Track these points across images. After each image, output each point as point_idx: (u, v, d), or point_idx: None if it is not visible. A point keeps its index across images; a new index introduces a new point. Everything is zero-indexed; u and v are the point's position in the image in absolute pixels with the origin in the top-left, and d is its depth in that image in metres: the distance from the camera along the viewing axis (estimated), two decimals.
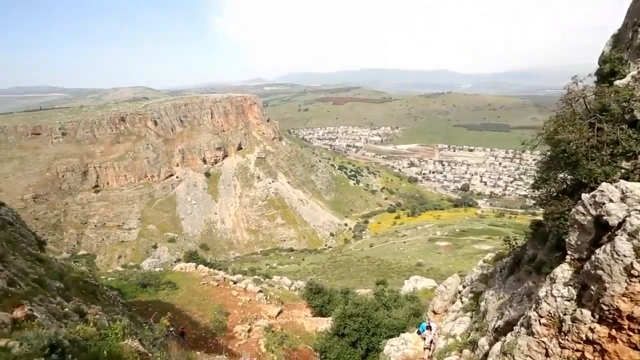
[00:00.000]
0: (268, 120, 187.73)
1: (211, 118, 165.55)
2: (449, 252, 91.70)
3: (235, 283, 25.89)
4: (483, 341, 8.87)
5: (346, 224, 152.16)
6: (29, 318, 4.71)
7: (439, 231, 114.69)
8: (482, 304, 10.50)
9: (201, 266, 29.60)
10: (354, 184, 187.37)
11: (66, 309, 6.09)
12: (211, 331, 18.64)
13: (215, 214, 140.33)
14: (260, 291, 24.58)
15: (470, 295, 12.59)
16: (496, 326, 8.59)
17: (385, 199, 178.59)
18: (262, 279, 31.69)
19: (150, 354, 5.85)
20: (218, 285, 24.91)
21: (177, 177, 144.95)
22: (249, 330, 19.08)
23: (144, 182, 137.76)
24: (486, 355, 7.99)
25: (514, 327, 6.78)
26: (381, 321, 17.68)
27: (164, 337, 8.66)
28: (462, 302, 12.98)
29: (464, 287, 14.20)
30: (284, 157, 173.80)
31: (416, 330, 15.11)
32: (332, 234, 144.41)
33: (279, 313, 22.32)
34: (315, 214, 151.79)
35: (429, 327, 13.54)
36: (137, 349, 5.33)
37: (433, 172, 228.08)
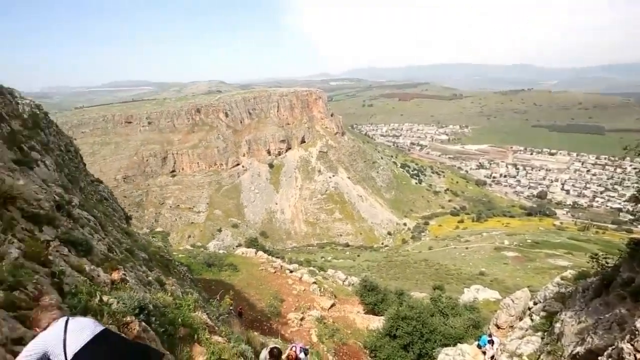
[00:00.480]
0: (332, 115, 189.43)
1: (277, 111, 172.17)
2: (517, 263, 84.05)
3: (291, 272, 26.84)
4: None
5: (405, 224, 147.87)
6: (123, 281, 5.46)
7: (507, 240, 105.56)
8: (557, 325, 9.46)
9: (260, 252, 31.21)
10: (416, 183, 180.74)
11: (149, 278, 6.96)
12: (266, 315, 19.58)
13: (276, 204, 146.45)
14: (315, 282, 25.13)
15: (543, 313, 11.42)
16: (574, 352, 7.70)
17: (449, 201, 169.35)
18: (317, 271, 32.37)
19: (216, 328, 6.37)
20: (275, 272, 26.05)
21: (242, 167, 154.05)
22: (302, 319, 19.66)
23: (213, 169, 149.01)
24: None
25: (599, 358, 6.03)
26: (436, 327, 16.94)
27: (227, 314, 9.39)
28: (531, 319, 11.84)
29: (535, 303, 12.93)
30: (346, 152, 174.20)
31: (476, 342, 14.24)
32: (389, 233, 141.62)
33: (332, 306, 22.62)
34: (374, 211, 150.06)
35: (490, 342, 12.68)
36: (205, 321, 5.86)
37: (505, 176, 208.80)
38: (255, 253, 30.72)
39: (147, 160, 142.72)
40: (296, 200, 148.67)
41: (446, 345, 15.33)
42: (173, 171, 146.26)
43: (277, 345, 5.95)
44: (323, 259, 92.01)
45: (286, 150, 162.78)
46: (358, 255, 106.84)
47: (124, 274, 5.63)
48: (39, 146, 9.81)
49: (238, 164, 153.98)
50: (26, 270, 4.02)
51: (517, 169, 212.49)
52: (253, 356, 6.18)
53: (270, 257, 30.53)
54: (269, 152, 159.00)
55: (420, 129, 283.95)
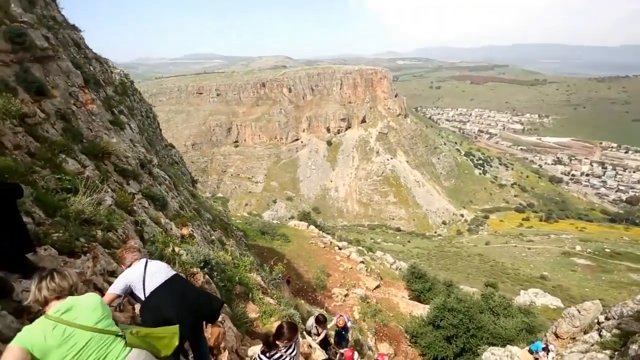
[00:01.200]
0: (396, 96, 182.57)
1: (340, 89, 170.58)
2: (588, 273, 75.66)
3: (340, 249, 27.33)
4: None
5: (462, 215, 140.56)
6: (191, 236, 6.11)
7: (580, 246, 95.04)
8: (634, 347, 8.48)
9: (312, 227, 32.10)
10: (480, 173, 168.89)
11: (213, 237, 7.68)
12: (312, 286, 20.36)
13: (331, 181, 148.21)
14: (362, 262, 25.35)
15: (616, 331, 10.27)
16: None
17: (515, 196, 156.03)
18: (366, 251, 32.55)
19: (268, 290, 6.86)
20: (324, 247, 26.75)
21: (301, 142, 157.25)
22: (346, 295, 20.13)
23: (273, 142, 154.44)
24: None
25: None
26: (485, 325, 16.21)
27: (278, 280, 10.03)
28: (600, 335, 10.73)
29: (607, 319, 11.65)
30: (407, 135, 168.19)
31: (527, 347, 13.41)
32: (444, 222, 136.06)
33: (377, 287, 22.74)
34: (430, 199, 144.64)
35: (545, 349, 11.83)
36: (259, 283, 6.34)
37: (587, 175, 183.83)
38: (307, 227, 31.69)
39: (213, 129, 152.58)
40: (351, 180, 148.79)
41: (493, 345, 14.67)
42: (236, 142, 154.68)
43: (323, 313, 6.23)
44: (372, 240, 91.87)
45: (346, 129, 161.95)
46: (408, 241, 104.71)
47: (192, 231, 6.28)
48: (126, 110, 11.05)
49: (297, 139, 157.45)
50: (117, 216, 4.70)
51: (605, 168, 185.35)
52: (300, 321, 6.58)
53: (321, 232, 31.30)
54: (328, 130, 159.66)
55: (492, 116, 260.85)
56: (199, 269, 4.72)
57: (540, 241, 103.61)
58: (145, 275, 2.98)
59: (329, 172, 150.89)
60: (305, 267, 22.75)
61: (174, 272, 3.22)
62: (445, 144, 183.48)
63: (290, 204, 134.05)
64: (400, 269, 30.21)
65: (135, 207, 5.46)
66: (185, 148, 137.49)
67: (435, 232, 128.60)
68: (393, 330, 18.54)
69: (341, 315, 8.63)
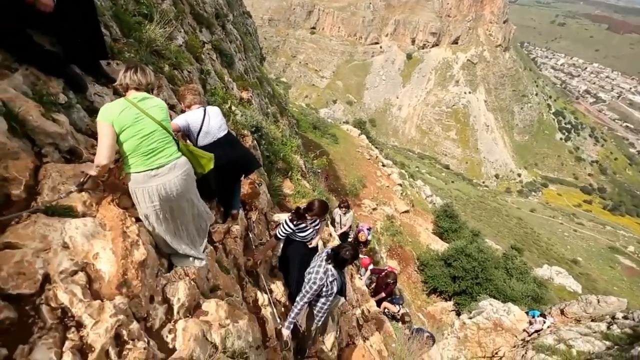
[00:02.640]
0: (505, 22, 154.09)
1: None
2: (627, 274, 71.46)
3: (383, 165, 27.32)
4: None
5: (519, 175, 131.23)
6: (249, 101, 6.20)
7: (634, 247, 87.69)
8: (639, 349, 8.29)
9: (363, 136, 31.75)
10: (561, 139, 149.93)
11: (269, 110, 7.79)
12: (345, 191, 21.15)
13: (397, 97, 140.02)
14: (400, 185, 25.43)
15: (628, 330, 9.99)
16: None
17: (589, 175, 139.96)
18: (407, 176, 32.39)
19: (307, 175, 7.14)
20: (369, 159, 26.80)
21: (380, 47, 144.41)
22: (374, 209, 20.86)
23: (350, 40, 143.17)
24: None
25: None
26: (494, 279, 16.53)
27: (318, 172, 10.43)
28: (608, 328, 10.55)
29: (625, 318, 11.27)
30: (497, 72, 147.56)
31: (527, 310, 13.72)
32: (496, 176, 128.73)
33: (405, 212, 23.19)
34: (493, 148, 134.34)
35: (543, 315, 12.09)
36: (300, 166, 6.58)
37: None
38: (358, 135, 31.39)
39: (294, 8, 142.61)
40: (418, 103, 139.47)
41: (494, 298, 15.12)
42: (313, 28, 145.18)
43: (346, 201, 6.49)
44: (417, 169, 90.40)
45: (432, 46, 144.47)
46: (452, 182, 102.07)
47: (251, 97, 6.34)
48: None
49: (377, 43, 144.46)
50: (185, 57, 4.75)
51: None
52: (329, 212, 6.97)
53: (370, 144, 31.03)
54: (412, 41, 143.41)
55: (611, 78, 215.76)
56: (250, 133, 4.90)
57: (592, 228, 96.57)
58: (203, 122, 3.26)
59: (398, 88, 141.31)
60: (344, 172, 23.33)
61: (227, 128, 3.53)
62: (537, 94, 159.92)
63: (349, 109, 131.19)
64: (434, 203, 30.18)
65: (203, 56, 5.48)
66: (261, 22, 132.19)
67: (483, 182, 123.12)
68: (406, 253, 19.52)
69: (362, 228, 9.01)
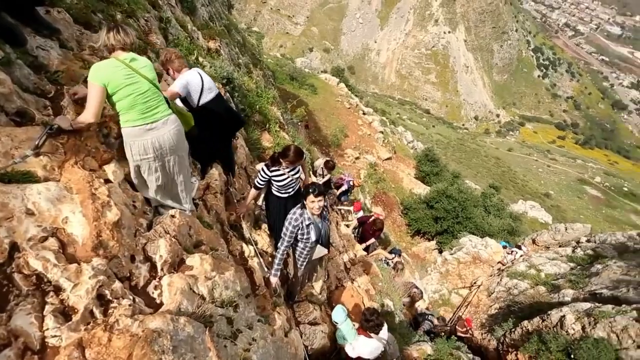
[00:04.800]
0: None
1: None
2: (593, 203, 76.77)
3: (364, 114, 27.01)
4: (569, 292, 8.36)
5: (498, 115, 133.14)
6: (217, 52, 5.78)
7: (600, 178, 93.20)
8: (598, 266, 9.16)
9: (342, 85, 30.89)
10: (539, 76, 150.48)
11: (240, 60, 7.31)
12: (327, 142, 21.03)
13: (375, 42, 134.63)
14: (381, 132, 25.44)
15: (590, 252, 10.95)
16: (597, 291, 7.74)
17: (564, 111, 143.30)
18: (388, 123, 32.29)
19: (285, 126, 6.97)
20: (349, 108, 26.36)
21: None
22: (357, 158, 21.01)
23: None
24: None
25: (622, 305, 6.03)
26: (473, 218, 17.44)
27: (297, 122, 10.20)
28: (573, 251, 11.53)
29: (588, 241, 12.29)
30: (477, 8, 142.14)
31: (502, 243, 14.74)
32: (476, 118, 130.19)
33: (388, 159, 23.49)
34: (473, 89, 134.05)
35: (518, 247, 13.09)
36: (278, 118, 6.38)
37: None
38: (337, 84, 30.50)
39: None
40: (397, 46, 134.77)
41: (474, 235, 16.07)
42: None
43: (333, 160, 6.48)
44: (398, 115, 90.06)
45: None
46: (433, 126, 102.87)
47: (220, 47, 5.90)
48: None
49: None
50: (139, 3, 4.28)
51: None
52: (310, 162, 6.94)
53: (349, 92, 30.34)
54: None
55: (591, 9, 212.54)
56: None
57: (563, 163, 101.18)
58: (203, 85, 3.35)
59: (376, 31, 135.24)
60: (325, 122, 22.99)
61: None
62: (517, 30, 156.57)
63: (326, 57, 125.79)
64: (415, 148, 30.60)
65: (160, 1, 4.95)
66: None
67: (463, 125, 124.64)
68: (390, 199, 20.12)
69: (342, 177, 9.08)
